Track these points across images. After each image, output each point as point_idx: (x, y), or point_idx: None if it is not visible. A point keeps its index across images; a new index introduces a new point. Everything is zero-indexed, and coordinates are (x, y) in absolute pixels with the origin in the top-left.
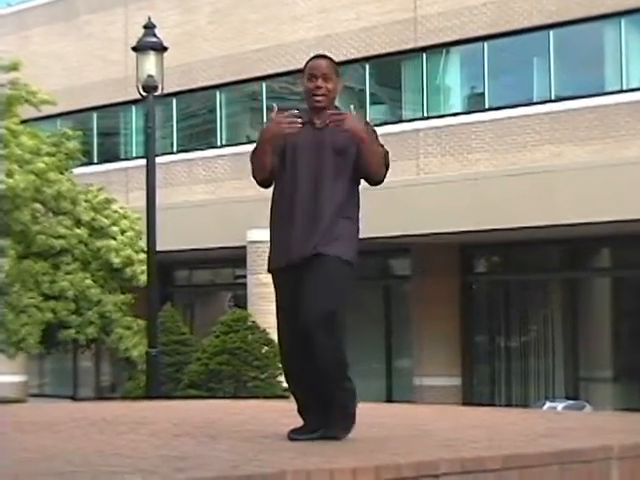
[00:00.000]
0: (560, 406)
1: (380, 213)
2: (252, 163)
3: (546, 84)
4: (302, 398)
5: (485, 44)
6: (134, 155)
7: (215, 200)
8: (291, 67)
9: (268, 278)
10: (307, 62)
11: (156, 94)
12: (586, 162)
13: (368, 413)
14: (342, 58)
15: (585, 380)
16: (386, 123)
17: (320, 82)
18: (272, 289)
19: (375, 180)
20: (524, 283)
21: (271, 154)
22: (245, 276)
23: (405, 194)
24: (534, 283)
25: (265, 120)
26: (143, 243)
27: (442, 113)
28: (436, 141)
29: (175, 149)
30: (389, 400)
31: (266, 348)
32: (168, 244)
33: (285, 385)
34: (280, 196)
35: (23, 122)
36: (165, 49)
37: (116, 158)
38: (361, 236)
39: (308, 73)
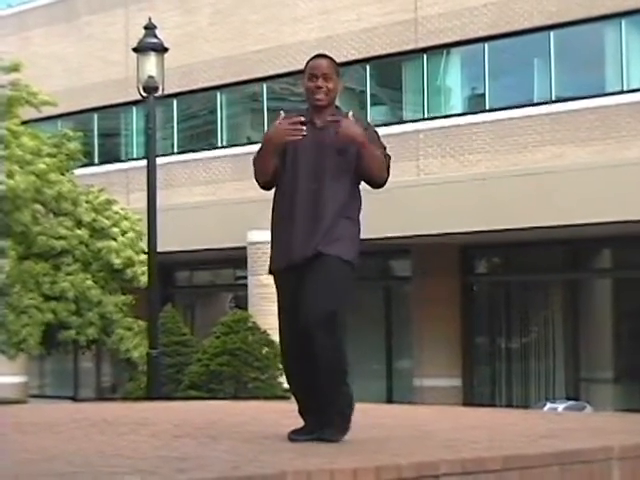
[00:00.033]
0: (561, 407)
1: (380, 214)
2: (254, 166)
3: (547, 85)
4: (303, 399)
5: (486, 45)
6: (135, 156)
7: (215, 201)
8: (292, 68)
9: (269, 279)
10: (308, 61)
11: (157, 95)
12: (587, 163)
13: (368, 414)
14: (343, 59)
15: (586, 381)
16: (387, 124)
17: (320, 82)
18: (273, 290)
19: (377, 183)
20: (525, 284)
21: (273, 158)
22: (246, 277)
23: (406, 195)
24: (535, 284)
25: (265, 120)
26: (144, 244)
27: (443, 114)
28: (437, 142)
29: (176, 150)
30: (389, 401)
31: (267, 349)
32: (169, 245)
33: (286, 386)
34: (281, 197)
35: (24, 123)
36: (166, 50)
37: (117, 159)
38: (361, 237)
39: (309, 73)
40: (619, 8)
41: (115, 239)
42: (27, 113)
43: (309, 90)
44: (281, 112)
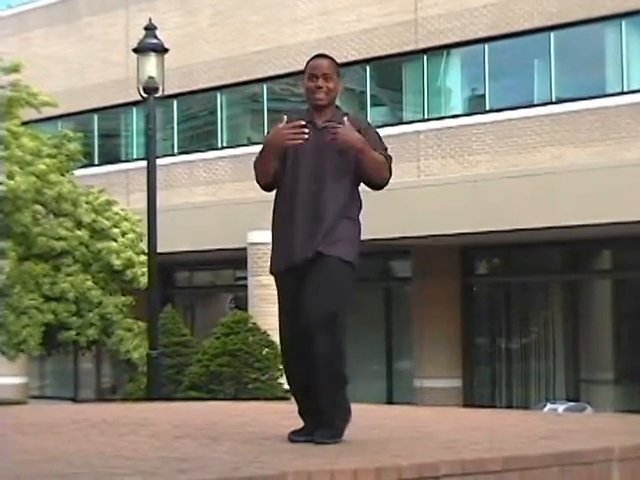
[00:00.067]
0: (561, 408)
1: (381, 215)
2: (255, 169)
3: (547, 86)
4: (303, 400)
5: (486, 46)
6: (135, 157)
7: (216, 202)
8: (292, 69)
9: (269, 280)
10: (308, 61)
11: (157, 96)
12: (587, 164)
13: (369, 415)
14: (343, 60)
15: (586, 382)
16: (387, 125)
17: (321, 82)
18: (273, 291)
19: (378, 185)
20: (525, 285)
21: (274, 160)
22: (246, 278)
23: (406, 196)
24: (535, 285)
25: (266, 121)
26: (144, 245)
27: (443, 115)
28: (437, 143)
29: (176, 151)
30: (389, 402)
31: (267, 350)
32: (169, 246)
33: (286, 387)
34: (282, 198)
35: (24, 124)
36: (166, 51)
37: (117, 160)
38: (362, 238)
39: (309, 72)
40: (619, 9)
41: (115, 240)
42: (27, 114)
43: (309, 90)
44: (284, 116)
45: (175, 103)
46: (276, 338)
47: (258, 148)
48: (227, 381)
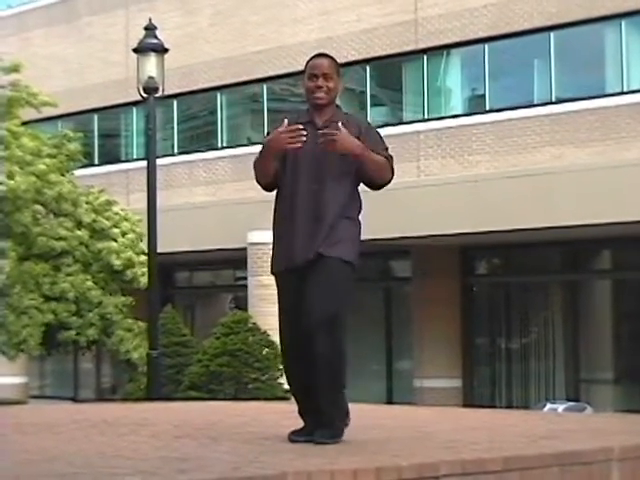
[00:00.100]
0: (561, 408)
1: (380, 215)
2: (255, 169)
3: (547, 86)
4: (303, 400)
5: (486, 46)
6: (135, 157)
7: (216, 202)
8: (292, 69)
9: (269, 280)
10: (308, 61)
11: (157, 96)
12: (587, 164)
13: (369, 415)
14: (343, 60)
15: (586, 382)
16: (387, 125)
17: (321, 81)
18: (273, 291)
19: (379, 185)
20: (525, 285)
21: (273, 161)
22: (246, 278)
23: (406, 196)
24: (535, 285)
25: (266, 121)
26: (144, 245)
27: (443, 115)
28: (437, 143)
29: (176, 151)
30: (389, 402)
31: (267, 350)
32: (169, 246)
33: (286, 387)
34: (282, 198)
35: (24, 124)
36: (166, 51)
37: (117, 160)
38: (362, 238)
39: (309, 72)
40: (619, 9)
41: (115, 240)
42: (27, 114)
43: (309, 89)
44: (285, 119)
45: (175, 103)
46: (276, 338)
47: (258, 148)
48: (227, 381)
